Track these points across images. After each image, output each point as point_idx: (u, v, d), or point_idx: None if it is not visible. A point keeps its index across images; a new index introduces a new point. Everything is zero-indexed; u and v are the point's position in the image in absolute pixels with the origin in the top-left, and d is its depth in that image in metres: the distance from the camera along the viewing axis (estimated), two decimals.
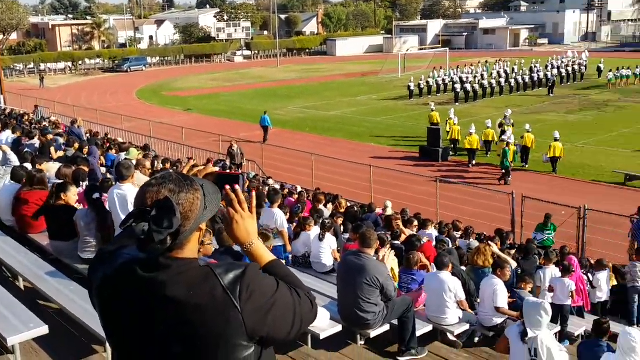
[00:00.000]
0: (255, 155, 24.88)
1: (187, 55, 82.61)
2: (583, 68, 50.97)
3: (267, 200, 10.54)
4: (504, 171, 23.19)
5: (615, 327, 6.33)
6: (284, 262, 8.09)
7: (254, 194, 2.45)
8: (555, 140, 24.18)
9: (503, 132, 26.13)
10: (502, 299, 7.87)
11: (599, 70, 49.41)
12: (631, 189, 21.75)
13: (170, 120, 34.96)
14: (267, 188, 14.46)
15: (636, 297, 10.50)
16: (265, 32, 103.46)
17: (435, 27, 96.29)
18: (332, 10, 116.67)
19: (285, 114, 40.97)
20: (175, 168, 15.99)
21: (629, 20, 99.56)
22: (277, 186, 16.45)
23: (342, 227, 11.33)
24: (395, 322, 6.95)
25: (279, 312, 2.15)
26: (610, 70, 45.99)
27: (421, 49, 76.85)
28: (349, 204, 14.55)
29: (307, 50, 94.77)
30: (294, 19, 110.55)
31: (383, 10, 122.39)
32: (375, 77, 60.35)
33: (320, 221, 9.81)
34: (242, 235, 2.35)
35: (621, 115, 35.28)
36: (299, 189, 16.90)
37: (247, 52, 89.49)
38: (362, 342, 7.15)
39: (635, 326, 8.70)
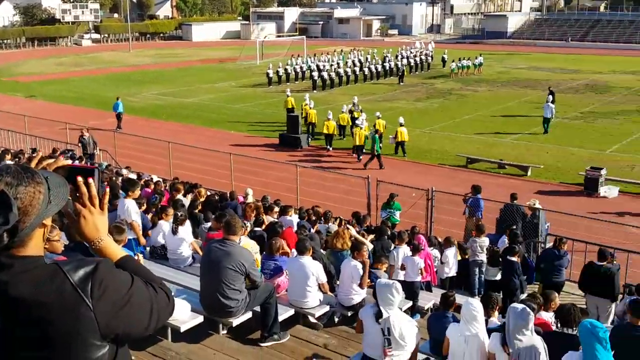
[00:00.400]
0: (107, 144, 23.67)
1: (29, 38, 76.57)
2: (430, 58, 54.15)
3: (121, 192, 10.11)
4: (372, 155, 24.18)
5: (460, 299, 6.86)
6: (140, 255, 7.84)
7: (107, 189, 2.32)
8: (401, 125, 25.66)
9: (354, 119, 27.37)
10: (363, 277, 8.22)
11: (443, 60, 52.83)
12: (472, 171, 23.54)
13: (10, 108, 32.18)
14: (120, 178, 13.85)
15: (476, 270, 11.45)
16: (116, 15, 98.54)
17: (292, 14, 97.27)
18: None
19: (140, 101, 39.42)
20: (17, 160, 14.80)
21: (469, 13, 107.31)
22: (133, 176, 15.81)
23: (202, 216, 11.17)
24: (257, 309, 7.01)
25: (134, 308, 2.08)
26: (453, 61, 49.29)
27: (279, 37, 77.36)
28: (208, 193, 14.36)
29: (161, 35, 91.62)
30: (146, 2, 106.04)
31: None
32: (234, 63, 59.80)
33: (173, 215, 9.58)
34: (91, 231, 2.23)
35: (463, 103, 38.02)
36: (156, 179, 16.35)
37: (96, 36, 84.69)
38: (225, 332, 7.13)
39: (477, 297, 9.48)
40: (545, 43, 76.92)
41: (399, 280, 10.27)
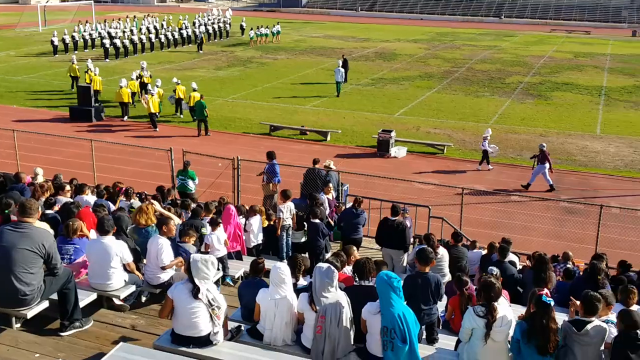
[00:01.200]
0: None
1: None
2: (228, 26, 53.74)
3: None
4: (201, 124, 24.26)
5: (270, 264, 6.95)
6: None
7: None
8: (194, 90, 25.78)
9: (144, 85, 26.88)
10: (167, 256, 7.94)
11: (242, 28, 52.81)
12: (275, 138, 24.04)
13: None
14: None
15: (284, 234, 11.75)
16: None
17: None
18: None
19: None
20: None
21: None
22: None
23: None
24: (54, 297, 6.45)
25: None
26: (252, 29, 49.49)
27: (63, 1, 71.04)
28: None
29: None
30: None
31: None
32: (12, 31, 53.84)
33: None
34: None
35: (263, 71, 38.45)
36: None
37: None
38: (19, 325, 6.49)
39: (285, 261, 9.72)
40: (338, 12, 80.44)
41: (207, 252, 10.21)
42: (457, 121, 27.06)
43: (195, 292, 5.75)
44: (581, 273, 9.94)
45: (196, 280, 5.76)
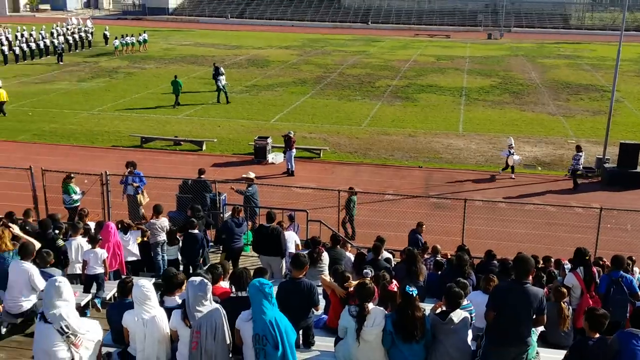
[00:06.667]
0: None
1: None
2: (90, 35, 51.35)
3: None
4: None
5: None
6: None
7: None
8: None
9: None
10: (40, 281, 7.39)
11: (105, 37, 50.68)
12: (148, 150, 23.20)
13: None
14: None
15: (158, 250, 11.28)
16: None
17: None
18: None
19: None
20: None
21: None
22: None
23: None
24: None
25: None
26: (116, 38, 47.58)
27: None
28: None
29: None
30: None
31: None
32: None
33: None
34: None
35: (131, 81, 37.07)
36: None
37: None
38: None
39: (154, 279, 9.31)
40: (207, 20, 79.45)
41: (76, 274, 9.61)
42: (331, 125, 27.60)
43: (42, 317, 5.39)
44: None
45: (44, 308, 5.39)
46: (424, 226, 13.57)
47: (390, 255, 11.10)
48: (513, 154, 20.92)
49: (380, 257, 10.05)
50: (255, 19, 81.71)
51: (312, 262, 9.43)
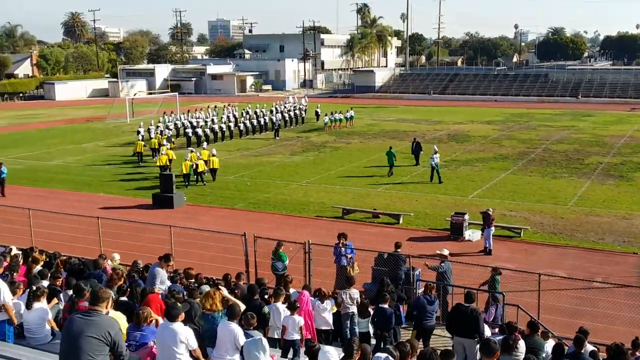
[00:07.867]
0: None
1: None
2: (303, 112, 55.71)
3: None
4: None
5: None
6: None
7: None
8: (213, 155, 31.19)
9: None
10: (242, 339, 8.06)
11: (317, 114, 54.60)
12: (348, 222, 24.14)
13: None
14: None
15: (348, 322, 11.58)
16: None
17: (163, 71, 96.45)
18: (49, 52, 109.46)
19: None
20: None
21: (339, 69, 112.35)
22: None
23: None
24: None
25: None
26: (326, 115, 51.03)
27: (150, 94, 76.14)
28: (73, 260, 13.55)
29: (21, 95, 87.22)
30: (3, 60, 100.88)
31: (106, 53, 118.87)
32: (102, 122, 57.93)
33: (27, 290, 8.90)
34: None
35: (336, 155, 39.22)
36: (15, 251, 15.17)
37: None
38: None
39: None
40: (410, 96, 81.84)
41: (275, 339, 10.23)
42: (534, 203, 26.34)
43: None
44: None
45: None
46: None
47: (595, 349, 10.15)
48: None
49: (583, 351, 9.26)
50: (458, 94, 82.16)
51: (507, 349, 8.99)
